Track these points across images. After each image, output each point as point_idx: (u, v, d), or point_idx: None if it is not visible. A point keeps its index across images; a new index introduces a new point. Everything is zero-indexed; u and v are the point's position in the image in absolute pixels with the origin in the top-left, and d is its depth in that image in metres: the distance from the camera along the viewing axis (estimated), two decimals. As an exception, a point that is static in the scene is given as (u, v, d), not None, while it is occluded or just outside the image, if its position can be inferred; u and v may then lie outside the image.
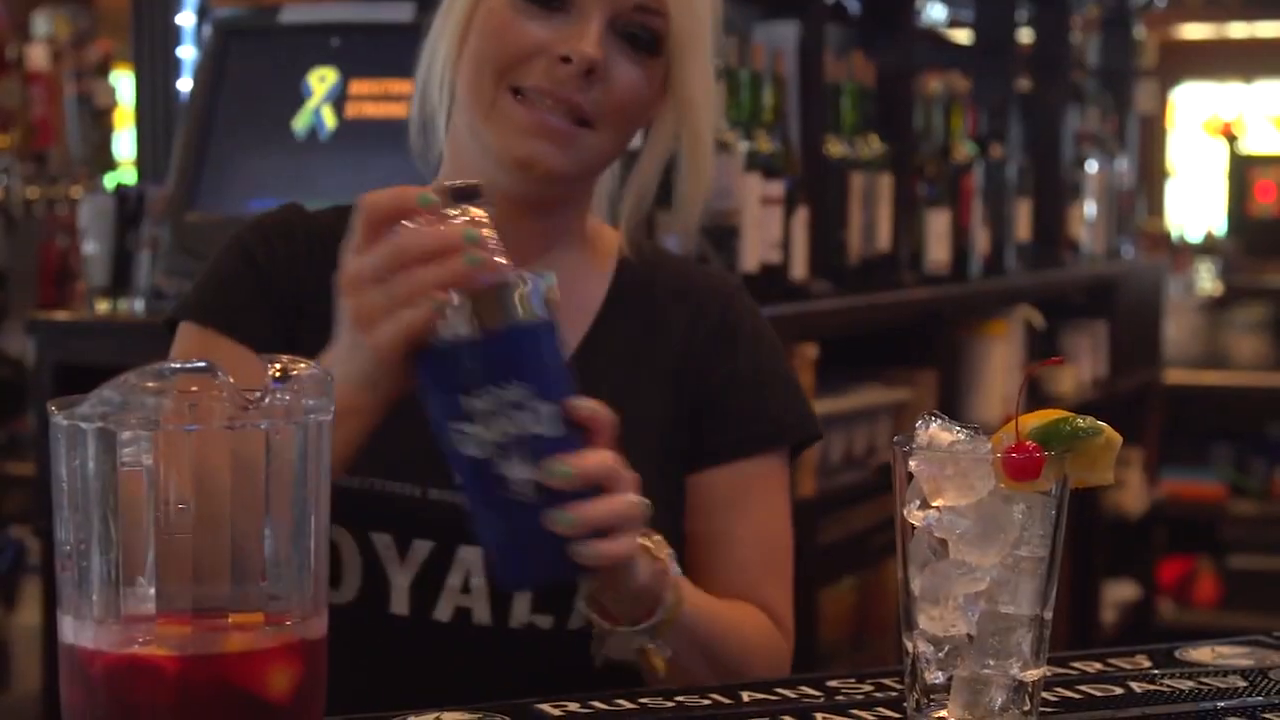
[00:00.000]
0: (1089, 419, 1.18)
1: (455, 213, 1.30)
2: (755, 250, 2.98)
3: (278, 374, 1.04)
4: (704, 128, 1.63)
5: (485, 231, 1.29)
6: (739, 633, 1.58)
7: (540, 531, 1.26)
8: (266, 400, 1.03)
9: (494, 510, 1.28)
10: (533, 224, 1.63)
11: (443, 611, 1.56)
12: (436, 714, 1.25)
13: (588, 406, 1.29)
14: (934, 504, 1.16)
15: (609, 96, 1.56)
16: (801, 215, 3.16)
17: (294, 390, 1.05)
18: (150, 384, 1.00)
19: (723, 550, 1.66)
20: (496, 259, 1.29)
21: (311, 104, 2.97)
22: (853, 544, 3.39)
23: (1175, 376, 6.54)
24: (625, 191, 1.67)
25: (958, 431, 1.18)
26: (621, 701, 1.29)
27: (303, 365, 1.06)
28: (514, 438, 1.26)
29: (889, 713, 1.26)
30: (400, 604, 1.55)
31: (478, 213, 1.30)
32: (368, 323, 1.31)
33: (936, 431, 1.18)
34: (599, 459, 1.29)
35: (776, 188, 3.03)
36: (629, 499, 1.31)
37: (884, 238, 3.59)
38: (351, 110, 2.96)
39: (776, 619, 1.66)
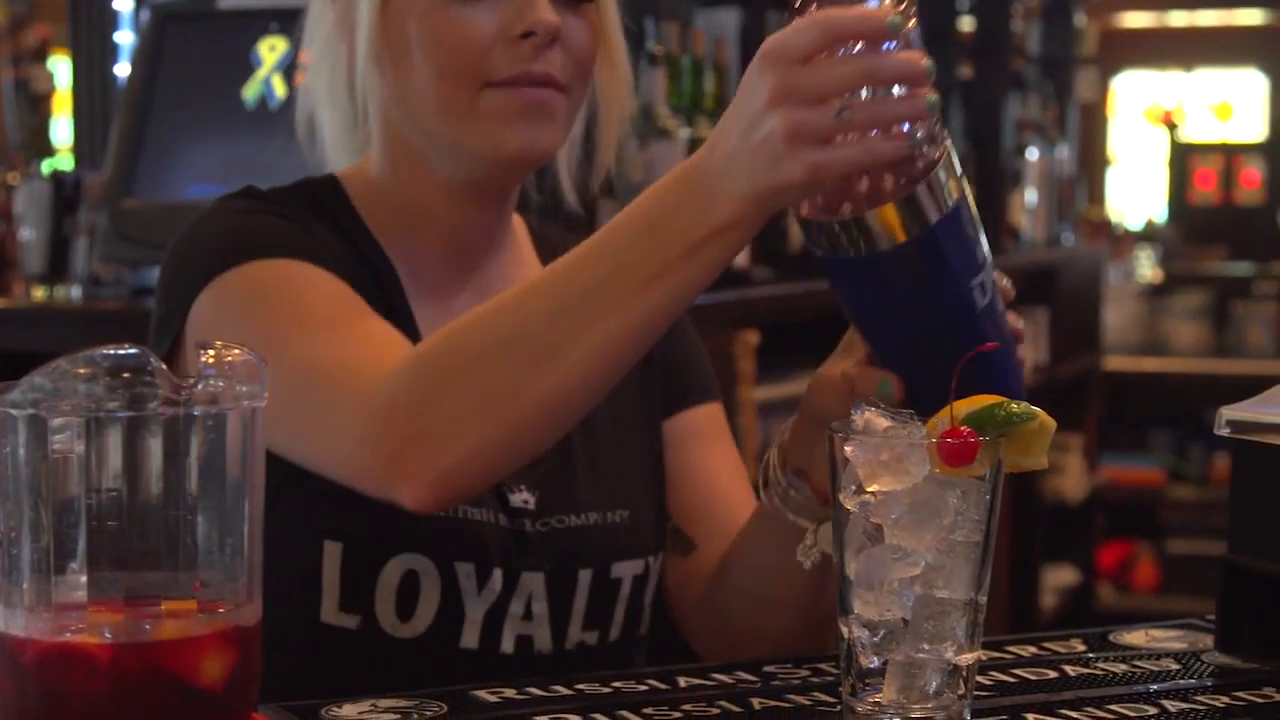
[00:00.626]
0: (1023, 404, 1.19)
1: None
2: (696, 237, 2.97)
3: (210, 360, 1.04)
4: (621, 57, 1.61)
5: None
6: None
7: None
8: (199, 386, 1.02)
9: (1007, 345, 1.35)
10: (493, 213, 1.61)
11: (507, 642, 1.53)
12: (372, 701, 1.24)
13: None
14: (869, 489, 1.16)
15: (572, 57, 1.53)
16: (742, 202, 3.16)
17: (228, 376, 1.04)
18: (82, 370, 1.00)
19: (711, 480, 1.68)
20: None
21: (262, 73, 2.95)
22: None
23: (1115, 363, 6.58)
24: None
25: (893, 417, 1.18)
26: (558, 687, 1.29)
27: (236, 351, 1.05)
28: (991, 270, 1.32)
29: (825, 697, 1.27)
30: (471, 637, 1.52)
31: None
32: (808, 140, 1.21)
33: (872, 417, 1.18)
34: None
35: (717, 174, 3.02)
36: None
37: (825, 225, 3.59)
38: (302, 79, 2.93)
39: None
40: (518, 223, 1.69)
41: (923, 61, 1.23)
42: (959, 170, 1.28)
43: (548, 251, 1.67)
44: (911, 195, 1.25)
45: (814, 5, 1.24)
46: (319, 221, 1.57)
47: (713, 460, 1.69)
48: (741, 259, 3.15)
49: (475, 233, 1.61)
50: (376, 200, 1.60)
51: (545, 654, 1.54)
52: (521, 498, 1.55)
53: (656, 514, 1.66)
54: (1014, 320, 1.39)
